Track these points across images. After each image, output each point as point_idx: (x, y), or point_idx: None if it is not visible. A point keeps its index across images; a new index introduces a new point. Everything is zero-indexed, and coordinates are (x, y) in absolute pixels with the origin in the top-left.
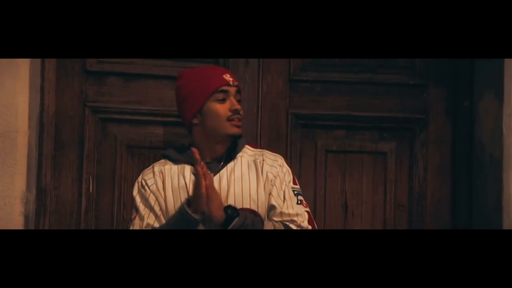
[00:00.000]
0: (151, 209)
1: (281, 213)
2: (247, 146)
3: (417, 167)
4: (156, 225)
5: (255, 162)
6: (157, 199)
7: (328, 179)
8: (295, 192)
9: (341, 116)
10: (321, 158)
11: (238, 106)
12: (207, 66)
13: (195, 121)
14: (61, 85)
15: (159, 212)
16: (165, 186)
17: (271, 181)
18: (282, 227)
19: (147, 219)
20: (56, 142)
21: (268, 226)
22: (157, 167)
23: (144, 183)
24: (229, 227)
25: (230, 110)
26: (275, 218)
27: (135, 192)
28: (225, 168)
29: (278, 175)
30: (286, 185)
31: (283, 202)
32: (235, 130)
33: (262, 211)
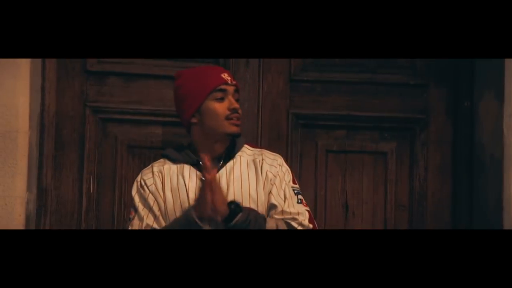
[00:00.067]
0: (150, 209)
1: (282, 212)
2: (246, 145)
3: (417, 167)
4: (155, 225)
5: (254, 161)
6: (156, 199)
7: (329, 179)
8: (295, 191)
9: (341, 116)
10: (321, 158)
11: (236, 105)
12: (205, 66)
13: (194, 120)
14: (62, 85)
15: (158, 213)
16: (164, 186)
17: (270, 180)
18: (284, 224)
19: (146, 220)
20: (56, 142)
21: (270, 222)
22: (156, 167)
23: (143, 183)
24: (233, 222)
25: (229, 109)
26: (276, 216)
27: (134, 191)
28: (224, 168)
29: (278, 174)
30: (286, 184)
31: (284, 201)
32: (233, 129)
33: (262, 210)
